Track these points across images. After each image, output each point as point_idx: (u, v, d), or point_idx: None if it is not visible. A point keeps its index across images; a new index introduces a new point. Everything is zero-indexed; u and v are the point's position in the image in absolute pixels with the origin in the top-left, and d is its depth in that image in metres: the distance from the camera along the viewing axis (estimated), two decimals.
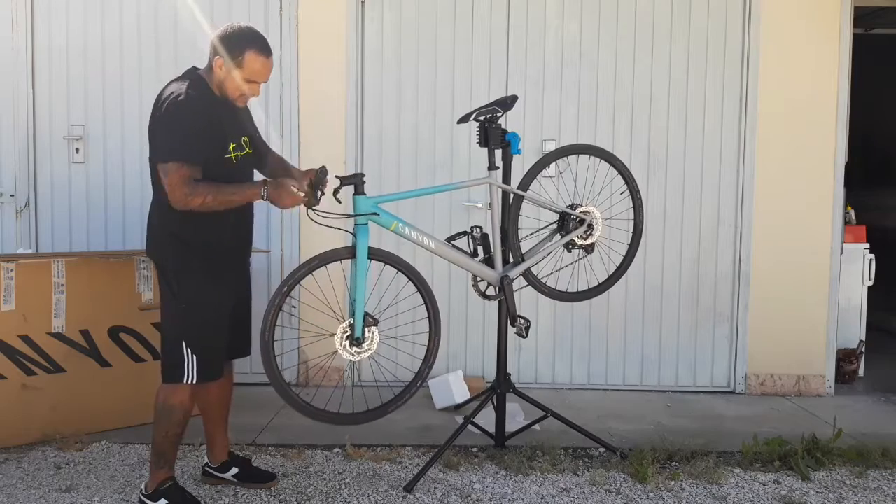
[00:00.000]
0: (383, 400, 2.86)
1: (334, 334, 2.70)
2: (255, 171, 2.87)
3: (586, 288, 3.45)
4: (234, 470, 2.96)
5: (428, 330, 2.93)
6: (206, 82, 2.62)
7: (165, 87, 2.61)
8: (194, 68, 2.70)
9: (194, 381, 2.66)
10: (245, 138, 2.71)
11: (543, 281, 3.34)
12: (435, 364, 2.96)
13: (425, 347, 2.93)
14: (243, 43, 2.58)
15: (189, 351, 2.64)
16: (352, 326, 2.69)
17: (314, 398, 2.76)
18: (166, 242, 2.65)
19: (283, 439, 3.46)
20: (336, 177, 2.70)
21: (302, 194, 2.57)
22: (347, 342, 2.70)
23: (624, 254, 3.43)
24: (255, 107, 2.79)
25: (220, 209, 2.57)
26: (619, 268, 3.42)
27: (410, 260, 4.28)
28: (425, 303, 2.91)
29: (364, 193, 2.73)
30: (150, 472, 2.74)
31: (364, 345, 2.71)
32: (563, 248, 3.33)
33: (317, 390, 2.58)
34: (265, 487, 2.93)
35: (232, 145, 2.62)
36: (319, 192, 2.63)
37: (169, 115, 2.51)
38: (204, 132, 2.54)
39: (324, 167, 2.68)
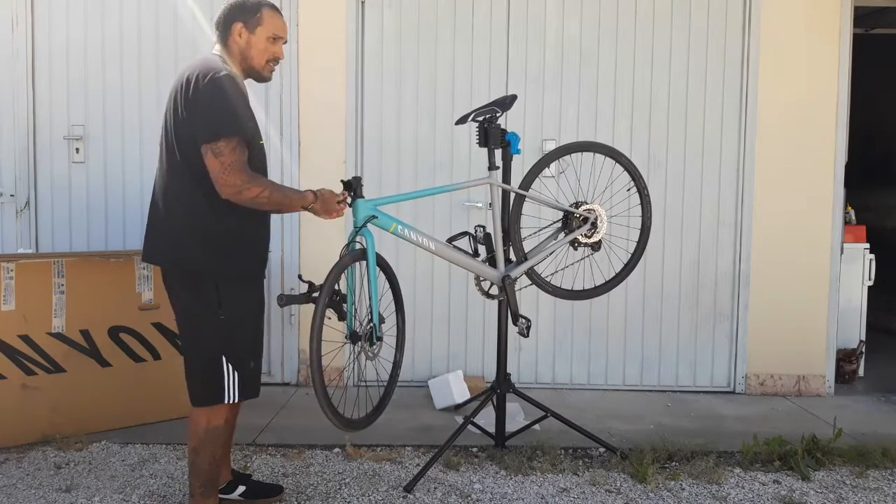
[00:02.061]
0: (374, 400, 2.84)
1: (357, 339, 2.64)
2: None
3: (592, 286, 3.44)
4: (242, 488, 2.79)
5: (396, 315, 2.92)
6: (229, 65, 2.45)
7: (190, 67, 2.38)
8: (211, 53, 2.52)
9: (236, 400, 2.45)
10: (261, 142, 2.58)
11: (547, 279, 3.33)
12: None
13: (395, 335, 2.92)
14: (256, 3, 2.49)
15: (230, 367, 2.41)
16: (372, 326, 2.68)
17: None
18: (199, 244, 2.38)
19: (283, 439, 3.47)
20: (341, 181, 2.70)
21: (344, 209, 2.56)
22: (367, 343, 2.67)
23: (631, 251, 3.41)
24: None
25: (265, 209, 2.39)
26: (625, 265, 3.40)
27: (411, 261, 4.34)
28: (389, 282, 2.88)
29: (362, 196, 2.72)
30: (192, 503, 2.50)
31: (378, 343, 2.71)
32: (568, 247, 3.33)
33: (333, 391, 2.55)
34: (274, 501, 2.80)
35: (260, 140, 2.52)
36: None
37: (212, 90, 2.28)
38: (247, 109, 2.39)
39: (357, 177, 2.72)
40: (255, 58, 2.49)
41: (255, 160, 2.43)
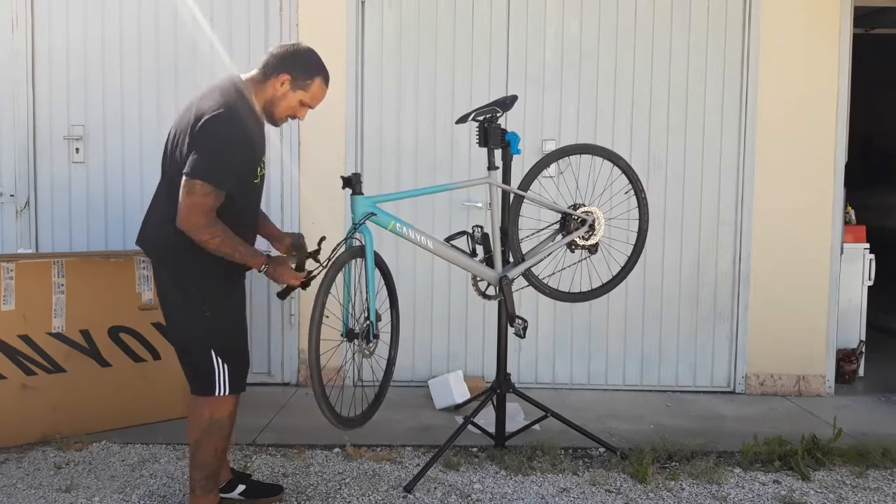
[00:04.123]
0: (370, 397, 2.85)
1: (353, 336, 2.65)
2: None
3: (588, 289, 3.44)
4: (241, 487, 2.78)
5: (390, 311, 2.94)
6: (247, 96, 2.46)
7: (204, 94, 2.43)
8: (234, 78, 2.52)
9: (227, 393, 2.48)
10: (264, 159, 2.61)
11: (545, 281, 3.33)
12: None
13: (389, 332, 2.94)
14: (316, 68, 2.52)
15: (220, 360, 2.47)
16: (369, 324, 2.68)
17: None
18: (181, 249, 2.43)
19: (283, 439, 3.47)
20: (341, 177, 2.70)
21: (301, 277, 2.53)
22: (364, 341, 2.67)
23: (628, 255, 3.41)
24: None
25: (214, 254, 2.40)
26: (622, 268, 3.40)
27: (411, 260, 4.34)
28: (384, 278, 2.89)
29: (362, 193, 2.73)
30: (193, 499, 2.51)
31: (374, 341, 2.71)
32: (566, 249, 3.33)
33: (331, 390, 2.56)
34: (274, 501, 2.80)
35: (260, 170, 2.54)
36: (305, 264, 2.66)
37: (210, 133, 2.33)
38: (242, 155, 2.41)
39: (299, 234, 2.72)
40: (279, 109, 2.52)
41: (240, 201, 2.46)
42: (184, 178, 2.33)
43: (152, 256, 2.58)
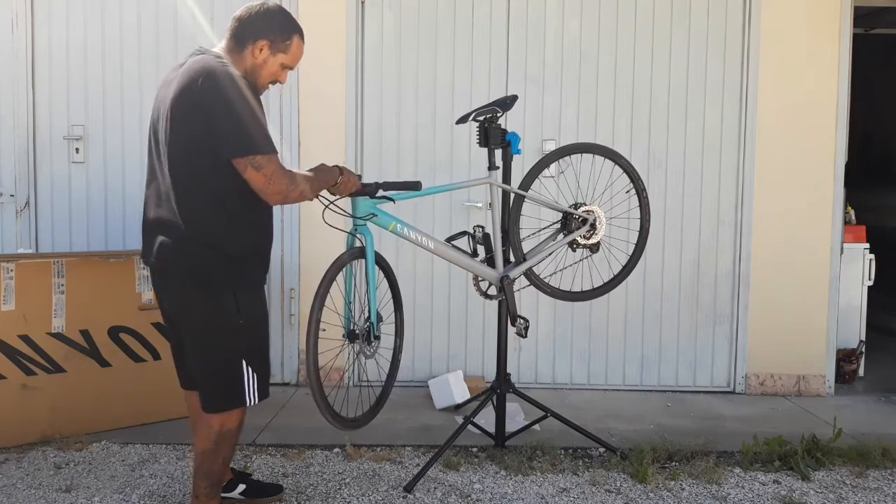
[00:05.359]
0: (375, 395, 2.86)
1: (354, 338, 2.66)
2: None
3: (590, 288, 3.44)
4: (242, 487, 2.77)
5: (394, 313, 2.97)
6: (230, 65, 2.32)
7: (188, 64, 2.27)
8: (204, 51, 2.37)
9: (256, 402, 2.41)
10: None
11: (546, 280, 3.33)
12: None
13: (394, 324, 2.98)
14: (292, 27, 2.42)
15: (250, 370, 2.39)
16: (370, 324, 2.69)
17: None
18: (215, 254, 2.32)
19: (283, 439, 3.47)
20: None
21: (360, 185, 2.63)
22: (366, 342, 2.67)
23: (629, 254, 3.41)
24: None
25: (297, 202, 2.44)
26: (624, 268, 3.40)
27: (411, 260, 4.34)
28: (388, 281, 2.92)
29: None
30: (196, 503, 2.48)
31: (375, 342, 2.72)
32: (567, 248, 3.33)
33: (336, 396, 2.56)
34: (274, 500, 2.80)
35: None
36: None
37: (218, 86, 2.19)
38: (258, 106, 2.30)
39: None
40: (262, 77, 2.42)
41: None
42: (235, 160, 2.21)
43: (172, 268, 2.37)
